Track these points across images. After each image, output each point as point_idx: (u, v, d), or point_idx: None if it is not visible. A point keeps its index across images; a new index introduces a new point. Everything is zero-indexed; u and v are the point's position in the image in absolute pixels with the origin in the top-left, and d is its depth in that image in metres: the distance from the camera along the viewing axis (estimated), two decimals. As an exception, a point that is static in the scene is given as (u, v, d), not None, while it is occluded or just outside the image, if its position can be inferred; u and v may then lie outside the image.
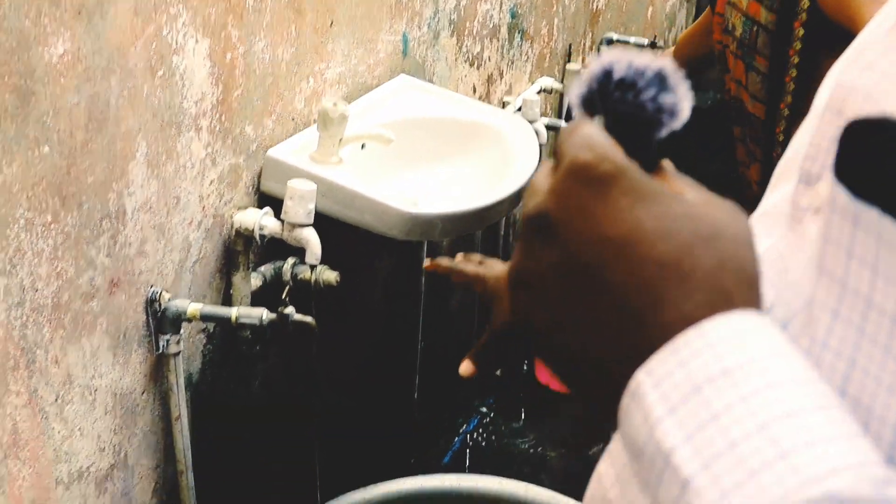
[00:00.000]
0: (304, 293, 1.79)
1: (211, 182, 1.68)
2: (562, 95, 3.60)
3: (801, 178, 0.59)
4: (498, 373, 3.56)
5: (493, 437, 3.35)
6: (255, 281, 1.80)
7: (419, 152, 2.06)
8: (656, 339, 0.44)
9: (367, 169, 1.92)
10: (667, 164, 0.52)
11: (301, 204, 1.66)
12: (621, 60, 0.50)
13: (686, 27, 6.18)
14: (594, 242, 0.46)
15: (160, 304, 1.58)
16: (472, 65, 2.73)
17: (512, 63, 3.07)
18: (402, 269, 2.56)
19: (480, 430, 3.37)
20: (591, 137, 0.48)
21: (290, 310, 1.58)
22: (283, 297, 1.62)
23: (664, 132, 0.51)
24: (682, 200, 0.47)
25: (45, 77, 1.25)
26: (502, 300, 1.01)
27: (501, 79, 3.00)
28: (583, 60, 3.83)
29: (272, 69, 1.78)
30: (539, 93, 3.18)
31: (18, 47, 1.20)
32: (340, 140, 1.82)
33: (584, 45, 3.85)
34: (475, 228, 2.57)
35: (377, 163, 1.98)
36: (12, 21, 1.18)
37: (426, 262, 1.07)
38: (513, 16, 2.98)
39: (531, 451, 3.30)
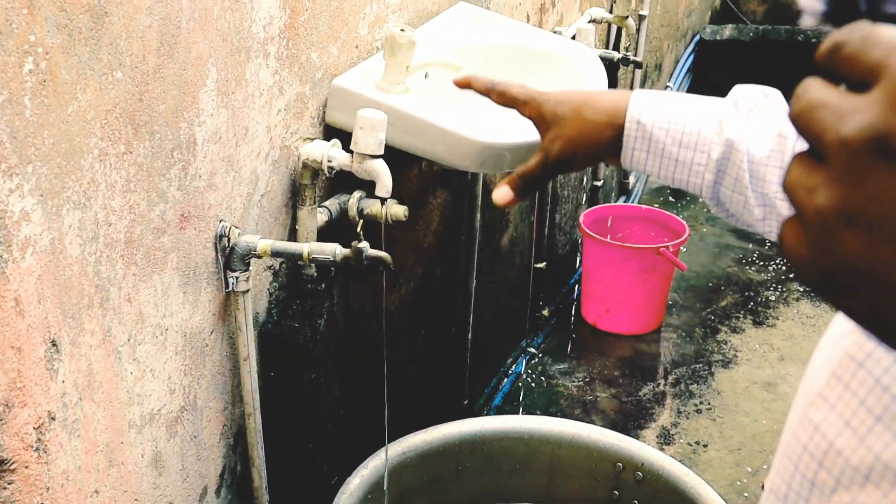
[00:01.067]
0: (371, 228, 1.72)
1: (278, 112, 1.59)
2: (609, 25, 3.49)
3: None
4: (546, 312, 3.50)
5: (543, 378, 3.29)
6: (322, 216, 1.72)
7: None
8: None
9: (433, 98, 1.83)
10: None
11: (372, 134, 1.57)
12: None
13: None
14: None
15: (229, 240, 1.51)
16: (526, -8, 2.63)
17: (564, -9, 2.95)
18: (458, 204, 2.49)
19: (530, 371, 3.32)
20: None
21: (364, 244, 1.51)
22: (358, 230, 1.55)
23: None
24: None
25: (118, -5, 1.16)
26: (561, 124, 1.05)
27: (553, 7, 2.89)
28: (630, -10, 3.70)
29: (337, -7, 1.69)
30: (590, 22, 3.07)
31: (91, -38, 1.11)
32: (407, 68, 1.73)
33: (631, -26, 3.72)
34: None
35: (441, 92, 1.89)
36: (85, -67, 1.09)
37: (457, 78, 1.11)
38: (565, -59, 2.86)
39: (581, 391, 3.25)
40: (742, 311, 3.76)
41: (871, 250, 0.41)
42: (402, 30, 1.70)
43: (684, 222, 3.59)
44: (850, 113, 0.41)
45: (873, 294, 0.42)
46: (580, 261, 3.80)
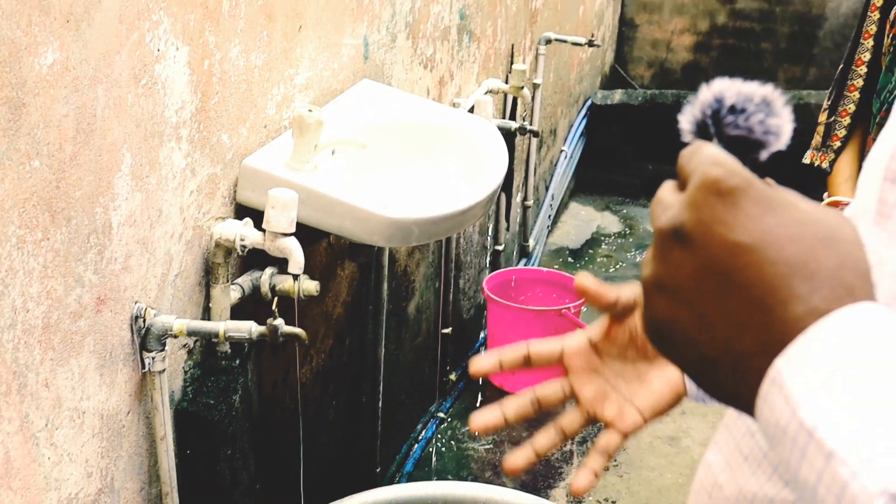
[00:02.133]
0: (283, 301, 1.75)
1: (191, 193, 1.63)
2: (505, 95, 3.60)
3: (886, 176, 0.63)
4: (453, 377, 3.55)
5: (453, 443, 3.33)
6: (235, 293, 1.75)
7: (388, 157, 2.04)
8: (790, 332, 0.49)
9: (340, 176, 1.89)
10: (769, 180, 0.56)
11: (283, 213, 1.62)
12: (731, 88, 0.56)
13: (613, 24, 6.26)
14: (730, 247, 0.50)
15: (145, 321, 1.53)
16: (425, 67, 2.71)
17: (461, 64, 3.06)
18: (366, 275, 2.53)
19: (440, 436, 3.35)
20: (718, 156, 0.53)
21: (279, 321, 1.54)
22: (273, 308, 1.58)
23: (769, 152, 0.56)
24: (801, 208, 0.51)
25: (36, 88, 1.19)
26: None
27: (452, 80, 2.98)
28: (524, 60, 3.84)
29: (246, 76, 1.74)
30: (487, 93, 3.18)
31: (10, 58, 1.14)
32: (315, 146, 1.79)
33: (525, 44, 3.86)
34: (451, 232, 2.55)
35: (348, 169, 1.95)
36: (4, 31, 1.12)
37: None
38: (461, 17, 2.97)
39: (490, 454, 3.29)
40: (642, 368, 3.88)
41: (673, 310, 0.53)
42: (309, 110, 1.76)
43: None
44: (668, 208, 0.54)
45: (679, 344, 0.54)
46: (485, 324, 3.87)
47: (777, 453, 0.50)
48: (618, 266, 4.92)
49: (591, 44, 4.06)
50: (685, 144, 0.57)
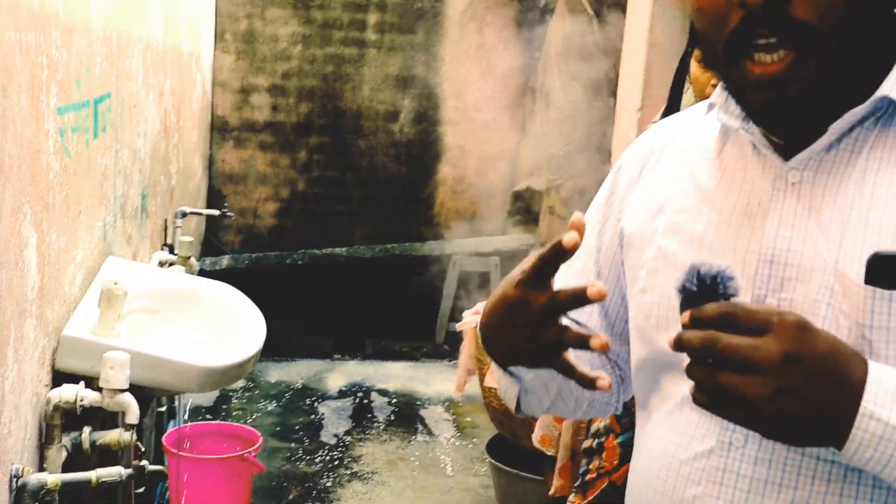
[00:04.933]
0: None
1: (36, 362, 1.82)
2: (172, 263, 3.88)
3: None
4: None
5: None
6: (63, 452, 1.93)
7: (163, 318, 2.32)
8: (858, 390, 0.83)
9: (139, 336, 2.15)
10: None
11: (121, 371, 1.87)
12: (705, 264, 0.88)
13: (204, 196, 6.69)
14: (822, 354, 0.83)
15: (19, 479, 1.69)
16: (128, 244, 2.98)
17: (143, 239, 3.34)
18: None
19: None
20: (762, 309, 0.84)
21: (144, 462, 1.78)
22: (141, 451, 1.81)
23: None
24: (820, 329, 0.85)
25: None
26: None
27: (138, 255, 3.26)
28: (172, 234, 4.15)
29: (59, 256, 1.97)
30: (159, 265, 3.46)
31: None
32: (119, 315, 2.05)
33: (169, 218, 4.19)
34: (241, 377, 2.78)
35: (138, 330, 2.21)
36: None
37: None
38: (143, 197, 3.28)
39: None
40: (309, 501, 4.24)
41: (793, 400, 0.83)
42: (115, 283, 2.03)
43: (255, 430, 4.02)
44: (763, 345, 0.82)
45: (798, 416, 0.84)
46: (164, 486, 4.01)
47: (880, 462, 0.83)
48: (254, 416, 5.24)
49: (224, 215, 4.47)
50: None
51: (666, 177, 1.10)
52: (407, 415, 4.68)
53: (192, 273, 4.02)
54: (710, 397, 0.85)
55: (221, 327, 2.38)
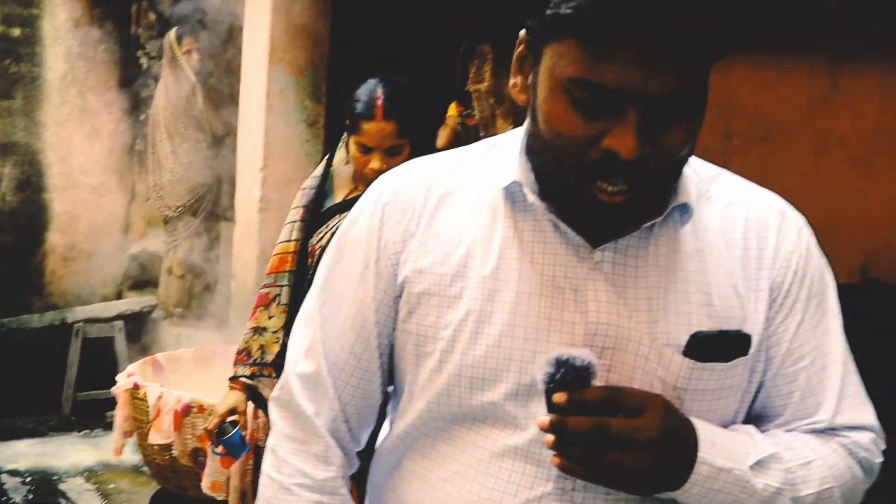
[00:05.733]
0: None
1: None
2: None
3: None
4: None
5: None
6: None
7: None
8: (695, 445, 1.04)
9: None
10: None
11: None
12: (570, 353, 1.01)
13: None
14: (678, 429, 1.04)
15: None
16: None
17: None
18: None
19: None
20: (636, 392, 1.04)
21: None
22: None
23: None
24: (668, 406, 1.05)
25: None
26: None
27: None
28: None
29: None
30: None
31: None
32: None
33: None
34: None
35: None
36: None
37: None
38: None
39: None
40: None
41: (647, 457, 1.02)
42: None
43: None
44: (642, 426, 1.01)
45: (651, 468, 1.03)
46: None
47: (700, 494, 1.04)
48: None
49: None
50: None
51: (453, 235, 1.13)
52: (46, 491, 4.51)
53: None
54: (588, 469, 1.01)
55: None
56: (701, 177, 1.14)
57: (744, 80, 4.17)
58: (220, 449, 2.52)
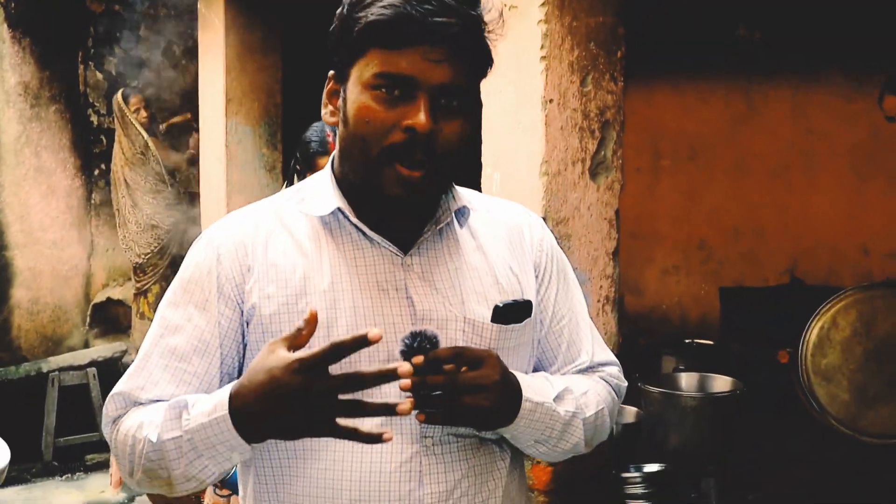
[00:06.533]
0: None
1: None
2: None
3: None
4: None
5: None
6: None
7: None
8: (520, 388, 1.31)
9: None
10: None
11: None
12: (421, 328, 1.25)
13: None
14: (508, 374, 1.30)
15: None
16: None
17: None
18: None
19: None
20: (475, 349, 1.28)
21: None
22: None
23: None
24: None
25: None
26: None
27: None
28: None
29: None
30: None
31: None
32: None
33: None
34: None
35: None
36: None
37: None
38: None
39: None
40: None
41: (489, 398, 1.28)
42: None
43: None
44: (487, 373, 1.27)
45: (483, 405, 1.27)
46: None
47: (524, 426, 1.30)
48: None
49: None
50: None
51: (287, 265, 1.34)
52: (39, 534, 4.72)
53: None
54: (447, 413, 1.22)
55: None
56: (463, 194, 1.44)
57: (668, 104, 4.46)
58: (224, 491, 2.69)
